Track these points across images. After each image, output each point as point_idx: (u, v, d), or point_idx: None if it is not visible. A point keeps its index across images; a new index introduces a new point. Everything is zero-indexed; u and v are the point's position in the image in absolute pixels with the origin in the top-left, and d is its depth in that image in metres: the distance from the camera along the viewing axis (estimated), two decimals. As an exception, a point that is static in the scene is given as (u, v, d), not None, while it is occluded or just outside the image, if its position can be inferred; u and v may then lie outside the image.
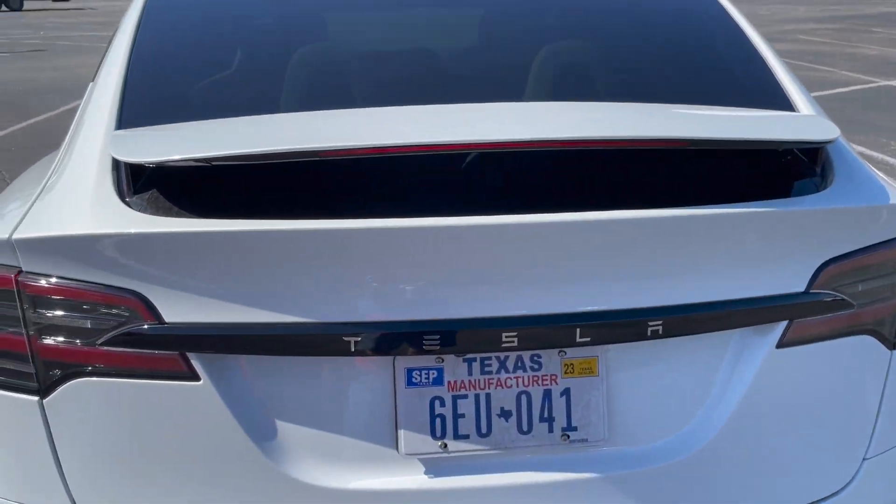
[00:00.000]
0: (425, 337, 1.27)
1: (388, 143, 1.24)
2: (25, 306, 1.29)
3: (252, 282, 1.25)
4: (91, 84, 1.67)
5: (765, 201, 1.34)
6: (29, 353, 1.30)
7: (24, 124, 7.59)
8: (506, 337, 1.28)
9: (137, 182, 1.33)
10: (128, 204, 1.30)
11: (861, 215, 1.43)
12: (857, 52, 12.99)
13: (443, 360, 1.33)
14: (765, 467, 1.43)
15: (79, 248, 1.25)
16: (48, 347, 1.30)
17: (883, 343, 1.48)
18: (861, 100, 9.72)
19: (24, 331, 1.30)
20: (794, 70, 1.81)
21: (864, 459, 1.51)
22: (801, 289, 1.39)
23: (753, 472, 1.43)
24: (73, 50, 13.82)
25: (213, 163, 1.24)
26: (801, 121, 1.59)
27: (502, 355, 1.34)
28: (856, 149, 1.59)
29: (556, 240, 1.28)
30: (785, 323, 1.39)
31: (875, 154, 6.14)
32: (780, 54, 1.85)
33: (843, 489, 1.49)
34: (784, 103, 1.67)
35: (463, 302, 1.28)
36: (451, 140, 1.26)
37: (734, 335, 1.39)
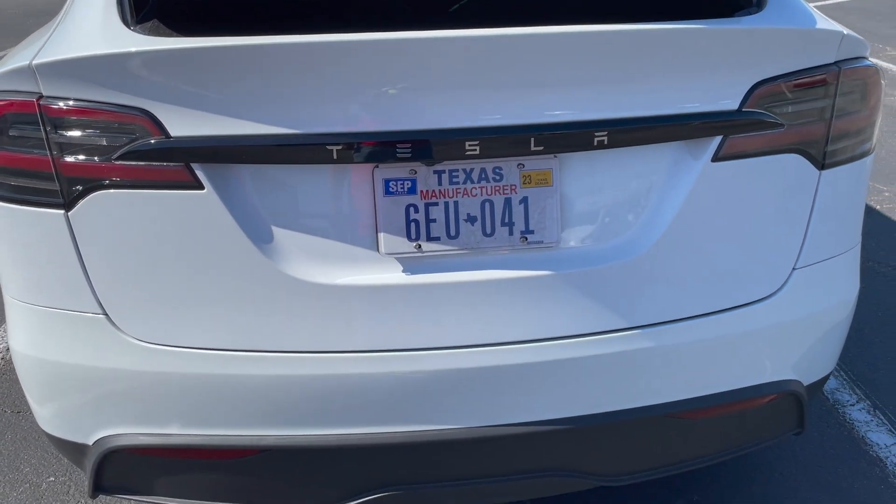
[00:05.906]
0: (398, 145, 1.45)
1: None
2: (48, 128, 1.46)
3: (247, 96, 1.42)
4: None
5: (701, 20, 1.49)
6: (53, 171, 1.48)
7: (24, 45, 7.65)
8: (469, 145, 1.46)
9: (140, 12, 1.49)
10: (132, 31, 1.46)
11: (790, 37, 1.58)
12: (862, -36, 12.78)
13: (416, 172, 1.51)
14: (701, 271, 1.62)
15: (90, 69, 1.42)
16: (69, 165, 1.48)
17: (812, 163, 1.65)
18: (861, 9, 9.65)
19: (47, 151, 1.48)
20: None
21: (793, 269, 1.70)
22: (735, 107, 1.55)
23: (691, 275, 1.62)
24: (67, -24, 13.66)
25: None
26: None
27: (468, 167, 1.52)
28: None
29: (514, 54, 1.43)
30: (719, 138, 1.56)
31: (872, 60, 6.26)
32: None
33: (773, 294, 1.69)
34: None
35: (431, 113, 1.45)
36: None
37: (670, 147, 1.56)
